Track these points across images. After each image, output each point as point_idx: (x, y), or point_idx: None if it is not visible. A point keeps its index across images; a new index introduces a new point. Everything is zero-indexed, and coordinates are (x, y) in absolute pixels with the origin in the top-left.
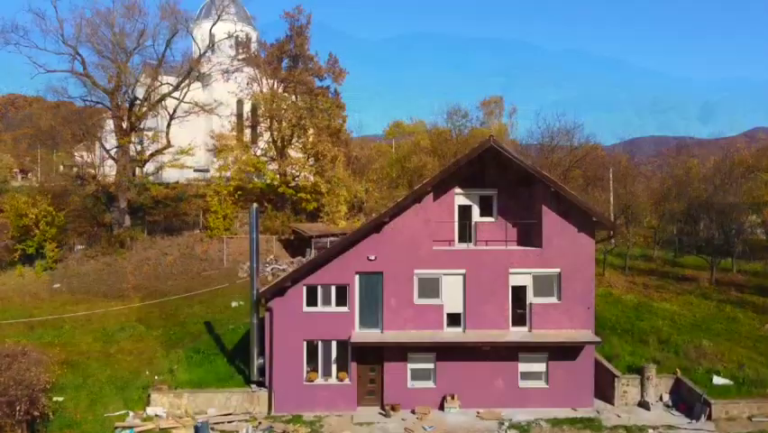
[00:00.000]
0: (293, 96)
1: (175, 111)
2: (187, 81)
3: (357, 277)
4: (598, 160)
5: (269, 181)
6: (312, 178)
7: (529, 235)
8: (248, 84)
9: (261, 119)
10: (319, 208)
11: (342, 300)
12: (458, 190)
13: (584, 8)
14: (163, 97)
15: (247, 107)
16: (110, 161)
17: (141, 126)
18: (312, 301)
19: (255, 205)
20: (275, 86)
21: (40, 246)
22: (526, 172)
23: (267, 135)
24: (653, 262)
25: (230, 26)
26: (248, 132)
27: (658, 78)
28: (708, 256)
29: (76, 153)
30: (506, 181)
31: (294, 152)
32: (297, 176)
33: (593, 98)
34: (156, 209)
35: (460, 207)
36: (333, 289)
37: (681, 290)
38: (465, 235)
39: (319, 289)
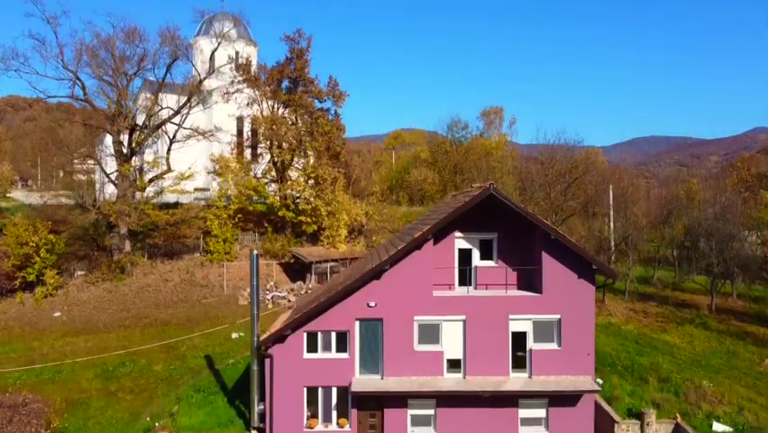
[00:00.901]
0: (293, 116)
1: (175, 135)
2: (187, 106)
3: (357, 323)
4: (599, 171)
5: (269, 203)
6: (312, 200)
7: (530, 279)
8: (248, 104)
9: (262, 138)
10: (319, 230)
11: (342, 346)
12: (458, 234)
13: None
14: (164, 123)
15: (247, 127)
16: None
17: (142, 151)
18: (312, 348)
19: (255, 252)
20: (275, 107)
21: (40, 273)
22: (527, 218)
23: (267, 156)
24: (652, 285)
25: (230, 50)
26: (248, 149)
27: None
28: (708, 276)
29: (75, 160)
30: (506, 226)
31: (294, 173)
32: (298, 198)
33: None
34: (156, 232)
35: (460, 250)
36: (334, 335)
37: (680, 319)
38: (465, 279)
39: (319, 335)
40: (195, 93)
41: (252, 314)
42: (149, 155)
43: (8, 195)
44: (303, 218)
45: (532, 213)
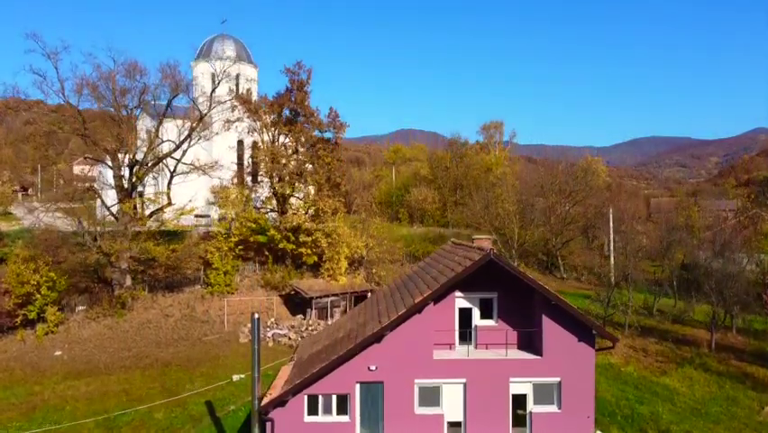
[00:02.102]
0: (294, 144)
1: (175, 169)
2: (187, 141)
3: (358, 386)
4: (598, 188)
5: (270, 235)
6: (313, 232)
7: (530, 340)
8: (249, 132)
9: (263, 171)
10: (320, 260)
11: (342, 409)
12: (458, 294)
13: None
14: (164, 157)
15: (247, 153)
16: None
17: (143, 184)
18: (313, 410)
19: (257, 315)
20: (275, 136)
21: (41, 310)
22: (527, 283)
23: (267, 181)
24: (652, 317)
25: (231, 72)
26: (249, 176)
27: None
28: (708, 302)
29: (75, 166)
30: (506, 286)
31: (294, 200)
32: (298, 228)
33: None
34: (157, 262)
35: (460, 309)
36: (335, 398)
37: (680, 359)
38: (466, 337)
39: (320, 398)
40: (196, 128)
41: (253, 377)
42: (149, 186)
43: (9, 211)
44: (303, 250)
45: (532, 278)
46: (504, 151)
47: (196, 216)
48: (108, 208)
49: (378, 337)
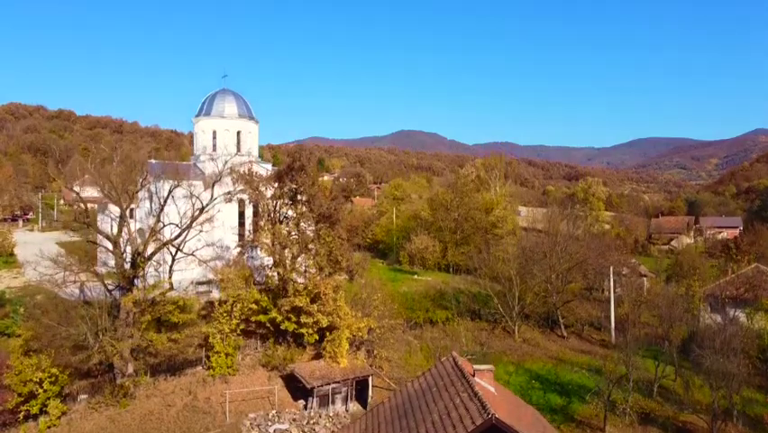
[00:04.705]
0: (297, 221)
1: (175, 255)
2: (187, 231)
3: None
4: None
5: (271, 317)
6: (314, 314)
7: None
8: (249, 202)
9: (264, 251)
10: (321, 338)
11: None
12: None
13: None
14: (165, 245)
15: (249, 212)
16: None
17: (145, 277)
18: None
19: None
20: (277, 210)
21: (43, 405)
22: None
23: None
24: (652, 398)
25: (232, 129)
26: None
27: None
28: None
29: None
30: None
31: (296, 274)
32: (300, 309)
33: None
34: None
35: None
36: None
37: None
38: None
39: None
40: (197, 219)
41: None
42: (150, 265)
43: (12, 253)
44: (304, 330)
45: None
46: (504, 185)
47: (197, 282)
48: (109, 291)
49: None
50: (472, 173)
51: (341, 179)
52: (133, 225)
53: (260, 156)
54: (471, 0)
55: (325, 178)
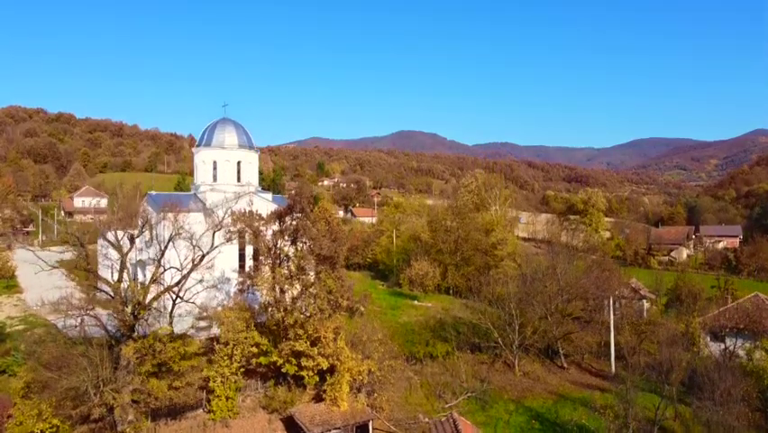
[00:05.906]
0: (297, 263)
1: (175, 301)
2: (186, 279)
3: None
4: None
5: (272, 360)
6: (315, 357)
7: None
8: (249, 242)
9: (264, 294)
10: (321, 380)
11: None
12: None
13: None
14: (164, 292)
15: (249, 250)
16: None
17: (145, 320)
18: None
19: None
20: (277, 248)
21: None
22: None
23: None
24: None
25: (232, 159)
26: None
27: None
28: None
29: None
30: None
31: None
32: (300, 352)
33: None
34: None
35: None
36: None
37: None
38: None
39: None
40: (197, 265)
41: None
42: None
43: (12, 276)
44: (305, 373)
45: None
46: (504, 205)
47: (197, 318)
48: (111, 337)
49: None
50: (472, 183)
51: (341, 185)
52: (134, 255)
53: (260, 173)
54: (471, 0)
55: (325, 183)
